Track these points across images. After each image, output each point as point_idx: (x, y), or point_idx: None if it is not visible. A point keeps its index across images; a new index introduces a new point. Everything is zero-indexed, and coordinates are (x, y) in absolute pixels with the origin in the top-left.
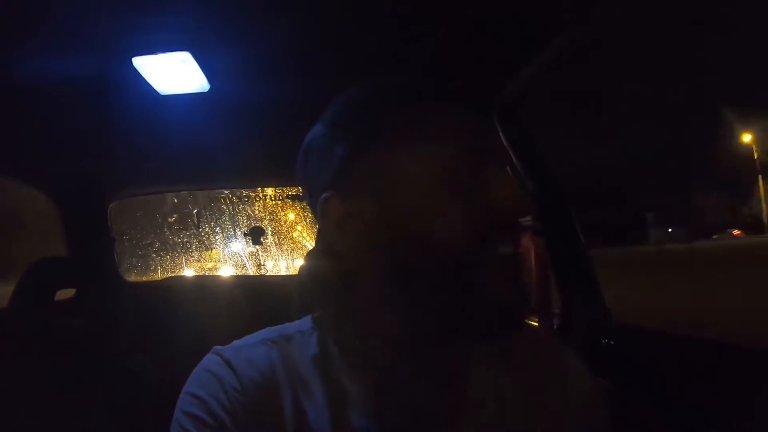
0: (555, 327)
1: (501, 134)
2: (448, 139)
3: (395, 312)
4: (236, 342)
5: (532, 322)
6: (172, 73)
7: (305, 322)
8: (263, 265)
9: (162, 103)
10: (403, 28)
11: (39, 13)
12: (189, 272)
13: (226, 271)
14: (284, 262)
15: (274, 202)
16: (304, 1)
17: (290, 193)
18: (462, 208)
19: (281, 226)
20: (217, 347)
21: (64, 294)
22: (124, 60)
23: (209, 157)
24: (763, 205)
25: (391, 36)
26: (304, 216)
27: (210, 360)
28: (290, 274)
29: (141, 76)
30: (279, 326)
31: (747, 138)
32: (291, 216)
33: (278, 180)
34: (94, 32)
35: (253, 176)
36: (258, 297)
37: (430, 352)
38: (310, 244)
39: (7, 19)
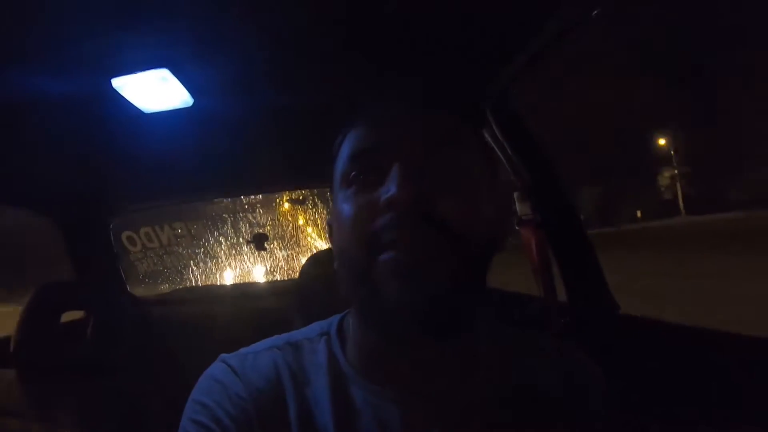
0: (560, 319)
1: (494, 127)
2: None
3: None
4: (243, 349)
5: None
6: (153, 90)
7: (312, 329)
8: (270, 270)
9: (149, 120)
10: (388, 27)
11: (10, 46)
12: (196, 283)
13: (233, 279)
14: (289, 266)
15: (276, 207)
16: (276, 10)
17: (290, 196)
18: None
19: (284, 229)
20: (224, 355)
21: (74, 315)
22: (103, 82)
23: (203, 168)
24: None
25: (376, 41)
26: (306, 218)
27: (216, 367)
28: (295, 278)
29: (122, 96)
30: (286, 333)
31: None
32: (296, 219)
33: (273, 185)
34: (70, 56)
35: (248, 183)
36: (266, 303)
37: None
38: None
39: None
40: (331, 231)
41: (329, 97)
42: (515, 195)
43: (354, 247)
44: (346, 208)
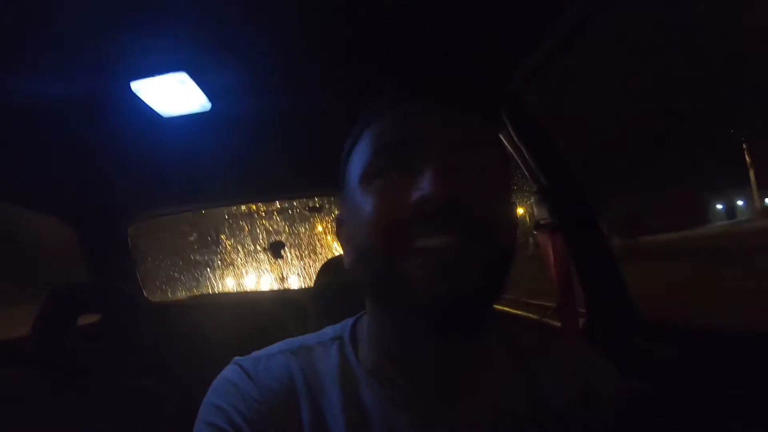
0: (580, 326)
1: (510, 129)
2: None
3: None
4: (256, 352)
5: (555, 322)
6: (171, 94)
7: (325, 333)
8: (285, 278)
9: (167, 124)
10: (403, 28)
11: (31, 50)
12: (212, 290)
13: (249, 287)
14: (306, 275)
15: (293, 215)
16: (294, 14)
17: (309, 205)
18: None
19: (301, 239)
20: (237, 358)
21: (90, 318)
22: (122, 85)
23: (220, 174)
24: None
25: (391, 41)
26: (325, 227)
27: (230, 370)
28: (311, 286)
29: (141, 100)
30: (299, 337)
31: None
32: (313, 227)
33: (292, 193)
34: (89, 59)
35: (266, 190)
36: (281, 311)
37: (437, 357)
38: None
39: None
40: (341, 227)
41: (349, 102)
42: (532, 198)
43: (378, 244)
44: (370, 202)
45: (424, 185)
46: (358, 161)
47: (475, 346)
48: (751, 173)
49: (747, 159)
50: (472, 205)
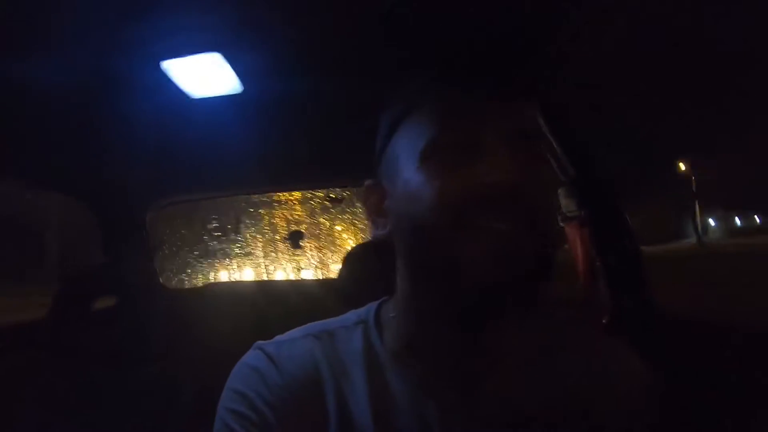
0: (604, 320)
1: (541, 119)
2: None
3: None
4: (279, 337)
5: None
6: (203, 75)
7: (348, 317)
8: (304, 268)
9: (195, 107)
10: (436, 10)
11: (60, 26)
12: (230, 278)
13: (267, 276)
14: (325, 266)
15: (314, 205)
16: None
17: (330, 195)
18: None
19: (321, 230)
20: (260, 342)
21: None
22: (153, 65)
23: (246, 161)
24: None
25: (426, 24)
26: (344, 219)
27: (252, 355)
28: (331, 277)
29: (171, 80)
30: (322, 321)
31: None
32: (334, 218)
33: (319, 182)
34: (121, 38)
35: (293, 179)
36: (300, 300)
37: (467, 343)
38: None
39: (34, 34)
40: (372, 194)
41: (384, 89)
42: (560, 191)
43: (438, 221)
44: (428, 179)
45: (492, 171)
46: (414, 135)
47: (501, 336)
48: (696, 204)
49: (693, 186)
50: (533, 193)
